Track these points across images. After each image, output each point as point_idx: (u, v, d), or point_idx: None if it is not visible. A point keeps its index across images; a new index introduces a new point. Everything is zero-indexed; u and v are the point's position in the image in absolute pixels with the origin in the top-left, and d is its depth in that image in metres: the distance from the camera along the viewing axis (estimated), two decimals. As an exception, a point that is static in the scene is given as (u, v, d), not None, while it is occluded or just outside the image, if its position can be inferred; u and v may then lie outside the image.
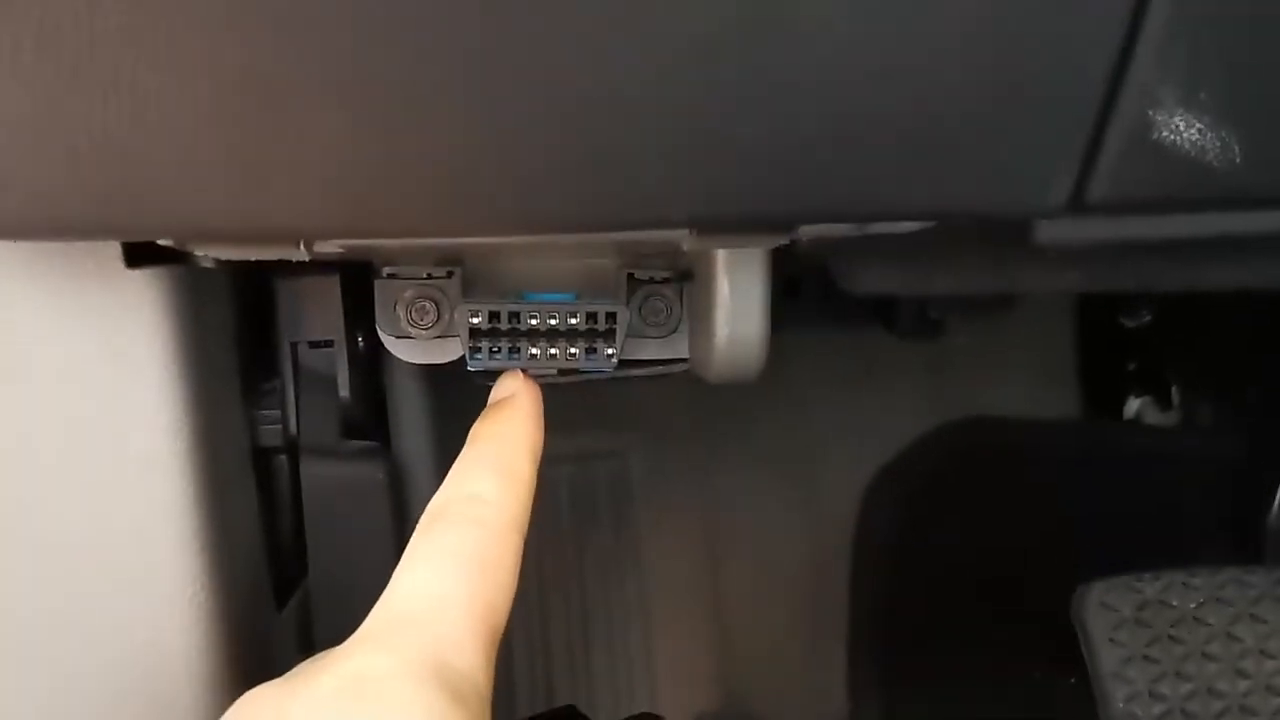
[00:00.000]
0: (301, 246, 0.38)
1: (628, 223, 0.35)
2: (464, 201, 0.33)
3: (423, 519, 0.38)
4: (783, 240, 0.41)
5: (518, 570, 0.37)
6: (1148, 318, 1.00)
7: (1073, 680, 0.75)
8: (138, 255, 0.43)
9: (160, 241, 0.38)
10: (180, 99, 0.30)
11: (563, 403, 0.48)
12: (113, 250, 0.42)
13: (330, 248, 0.39)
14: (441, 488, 0.39)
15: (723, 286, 0.47)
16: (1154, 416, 1.04)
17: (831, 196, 0.34)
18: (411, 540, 0.37)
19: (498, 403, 0.43)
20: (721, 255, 0.47)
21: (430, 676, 0.32)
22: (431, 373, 0.60)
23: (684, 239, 0.39)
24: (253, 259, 0.39)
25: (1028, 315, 1.00)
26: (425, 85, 0.30)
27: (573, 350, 0.45)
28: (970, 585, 0.95)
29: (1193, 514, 0.95)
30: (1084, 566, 0.78)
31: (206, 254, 0.40)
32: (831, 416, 1.01)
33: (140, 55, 0.29)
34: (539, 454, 0.41)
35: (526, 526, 0.39)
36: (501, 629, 0.36)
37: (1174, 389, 1.04)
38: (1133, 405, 1.05)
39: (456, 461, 0.40)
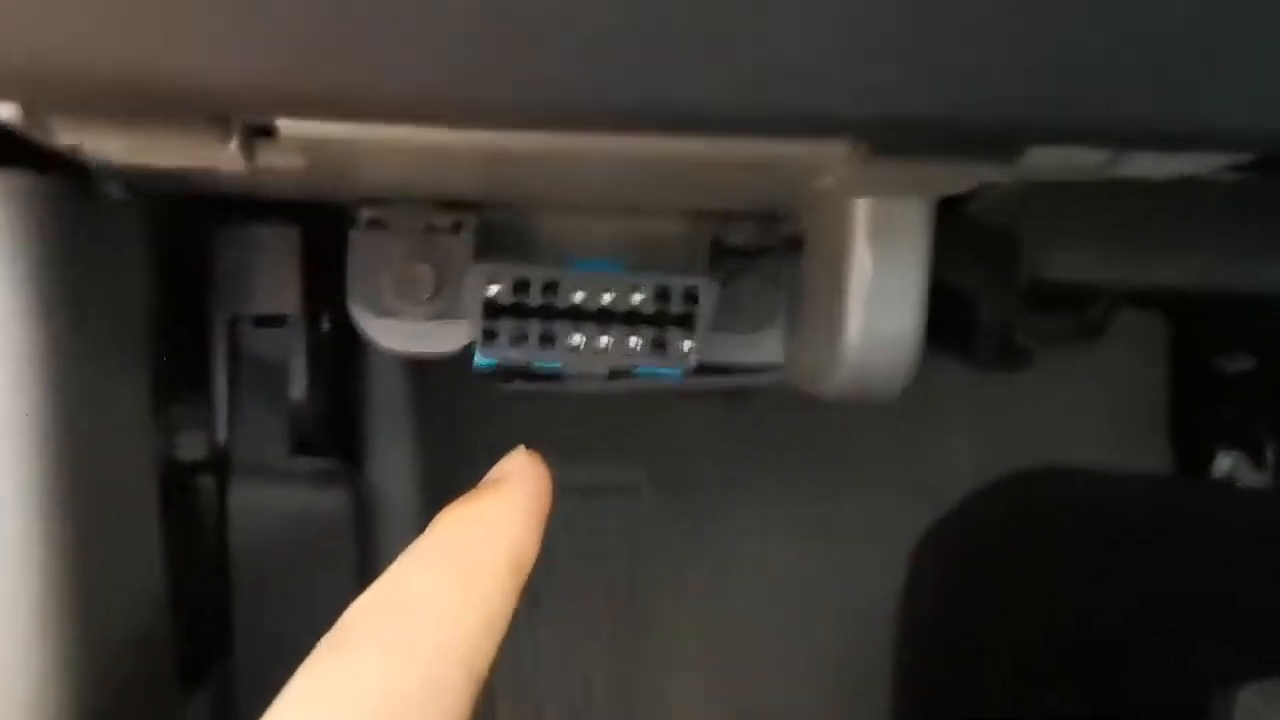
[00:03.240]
0: (235, 143, 0.27)
1: (769, 120, 0.25)
2: (489, 61, 0.22)
3: (328, 635, 0.27)
4: (992, 173, 0.30)
5: None
6: (1248, 365, 0.94)
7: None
8: None
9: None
10: None
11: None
12: None
13: (281, 158, 0.29)
14: (368, 589, 0.28)
15: (863, 257, 0.36)
16: (1247, 475, 0.97)
17: (1094, 100, 0.24)
18: (299, 670, 0.26)
19: (486, 483, 0.32)
20: (863, 212, 0.36)
21: None
22: (425, 367, 0.52)
23: (832, 165, 0.29)
24: (163, 163, 0.29)
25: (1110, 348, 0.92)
26: None
27: (635, 341, 0.38)
28: (1034, 671, 0.87)
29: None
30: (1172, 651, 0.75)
31: (82, 147, 0.28)
32: (877, 454, 0.92)
33: None
34: (525, 564, 0.30)
35: (487, 664, 0.27)
36: None
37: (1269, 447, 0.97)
38: (1223, 462, 0.98)
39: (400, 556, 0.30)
